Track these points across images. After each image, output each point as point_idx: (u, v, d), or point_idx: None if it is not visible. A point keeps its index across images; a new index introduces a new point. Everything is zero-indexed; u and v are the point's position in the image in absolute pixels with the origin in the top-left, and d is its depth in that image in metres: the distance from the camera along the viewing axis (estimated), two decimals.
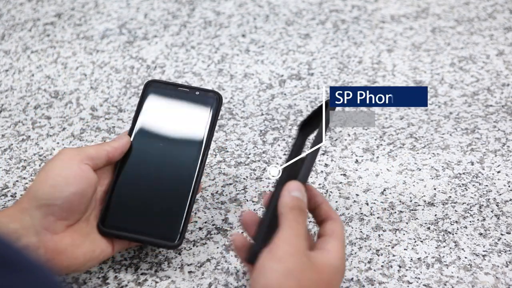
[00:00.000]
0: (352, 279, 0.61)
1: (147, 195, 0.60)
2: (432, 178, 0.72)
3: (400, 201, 0.69)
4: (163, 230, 0.59)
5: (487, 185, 0.71)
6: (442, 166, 0.73)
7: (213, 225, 0.67)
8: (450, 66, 0.87)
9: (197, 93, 0.64)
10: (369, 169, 0.73)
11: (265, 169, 0.74)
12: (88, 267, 0.57)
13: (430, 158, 0.74)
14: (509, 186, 0.70)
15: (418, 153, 0.75)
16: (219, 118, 0.63)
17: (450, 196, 0.70)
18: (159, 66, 0.89)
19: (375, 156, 0.75)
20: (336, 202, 0.69)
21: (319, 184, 0.71)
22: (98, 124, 0.80)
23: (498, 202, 0.69)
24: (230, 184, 0.72)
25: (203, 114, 0.62)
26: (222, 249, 0.65)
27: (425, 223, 0.67)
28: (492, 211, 0.68)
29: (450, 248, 0.64)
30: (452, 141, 0.76)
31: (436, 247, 0.64)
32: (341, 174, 0.72)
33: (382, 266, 0.63)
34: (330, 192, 0.71)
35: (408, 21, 0.96)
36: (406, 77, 0.86)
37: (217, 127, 0.77)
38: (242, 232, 0.64)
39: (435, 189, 0.70)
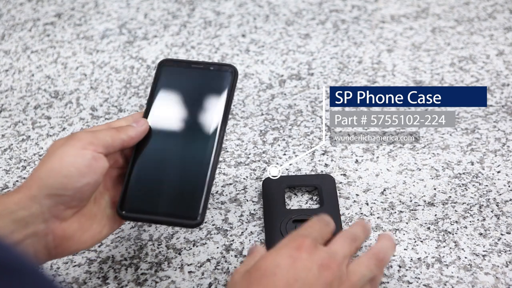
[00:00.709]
0: None
1: (165, 175, 0.58)
2: (432, 178, 0.72)
3: (400, 201, 0.69)
4: (183, 209, 0.56)
5: (487, 185, 0.71)
6: (442, 166, 0.73)
7: (213, 225, 0.67)
8: (450, 66, 0.87)
9: (212, 68, 0.61)
10: (369, 169, 0.73)
11: (265, 169, 0.74)
12: (100, 241, 0.57)
13: (430, 158, 0.74)
14: (509, 186, 0.70)
15: (418, 153, 0.75)
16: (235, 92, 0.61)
17: (450, 196, 0.70)
18: None
19: (375, 156, 0.75)
20: None
21: None
22: (98, 124, 0.80)
23: (498, 202, 0.69)
24: (230, 184, 0.72)
25: (219, 90, 0.60)
26: (222, 249, 0.65)
27: (425, 223, 0.67)
28: (492, 211, 0.68)
29: (450, 248, 0.64)
30: (452, 141, 0.76)
31: (436, 247, 0.64)
32: (341, 174, 0.72)
33: None
34: None
35: (408, 21, 0.96)
36: (406, 77, 0.86)
37: None
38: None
39: (435, 189, 0.70)
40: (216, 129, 0.59)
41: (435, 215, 0.68)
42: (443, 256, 0.63)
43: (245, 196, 0.70)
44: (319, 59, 0.89)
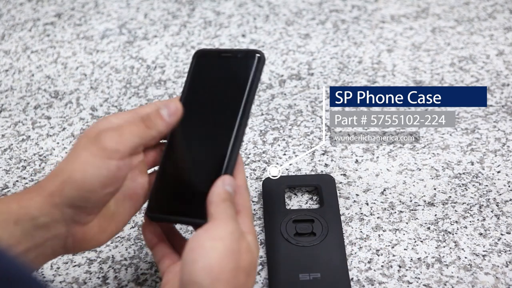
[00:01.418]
0: (352, 279, 0.61)
1: (190, 176, 0.56)
2: (432, 178, 0.72)
3: (400, 201, 0.69)
4: (197, 209, 0.54)
5: (487, 185, 0.71)
6: (442, 166, 0.73)
7: None
8: (450, 66, 0.87)
9: (239, 55, 0.58)
10: (369, 169, 0.73)
11: (265, 169, 0.74)
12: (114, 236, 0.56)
13: (430, 158, 0.74)
14: (509, 186, 0.70)
15: (418, 153, 0.75)
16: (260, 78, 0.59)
17: (450, 196, 0.70)
18: (159, 66, 0.89)
19: (375, 156, 0.75)
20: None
21: None
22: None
23: (498, 202, 0.69)
24: None
25: (244, 77, 0.57)
26: None
27: (425, 223, 0.67)
28: (492, 211, 0.68)
29: (450, 248, 0.64)
30: (452, 141, 0.76)
31: (436, 247, 0.64)
32: (341, 174, 0.72)
33: (382, 266, 0.63)
34: None
35: (408, 21, 0.96)
36: (406, 77, 0.86)
37: None
38: None
39: (435, 189, 0.70)
40: (234, 122, 0.56)
41: (435, 215, 0.68)
42: (443, 256, 0.63)
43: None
44: (319, 59, 0.89)
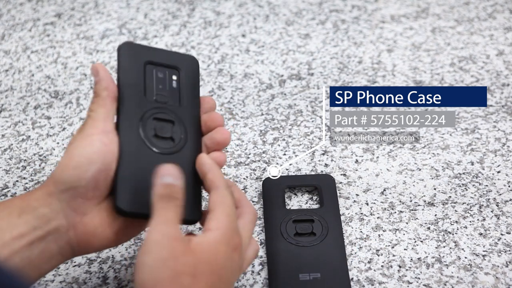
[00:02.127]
0: (352, 279, 0.61)
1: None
2: (432, 178, 0.72)
3: (400, 201, 0.69)
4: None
5: (487, 185, 0.71)
6: (442, 166, 0.73)
7: None
8: (450, 66, 0.87)
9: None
10: (369, 169, 0.73)
11: (265, 169, 0.74)
12: (124, 242, 0.55)
13: (430, 158, 0.74)
14: (509, 186, 0.70)
15: (418, 153, 0.75)
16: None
17: (450, 196, 0.70)
18: None
19: (375, 156, 0.75)
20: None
21: None
22: None
23: (498, 202, 0.69)
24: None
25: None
26: None
27: (425, 223, 0.67)
28: (492, 211, 0.68)
29: (450, 248, 0.64)
30: (452, 141, 0.76)
31: (436, 247, 0.64)
32: (341, 174, 0.72)
33: (382, 266, 0.63)
34: None
35: (408, 21, 0.96)
36: (406, 77, 0.86)
37: None
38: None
39: (435, 189, 0.70)
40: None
41: (435, 215, 0.68)
42: (443, 256, 0.63)
43: None
44: (319, 59, 0.90)
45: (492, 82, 0.85)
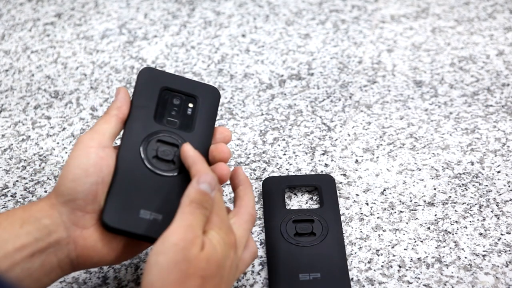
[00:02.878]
0: (352, 279, 0.61)
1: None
2: (432, 178, 0.72)
3: (400, 201, 0.69)
4: None
5: (487, 185, 0.71)
6: (442, 166, 0.73)
7: None
8: (450, 66, 0.87)
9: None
10: (369, 169, 0.73)
11: (265, 169, 0.74)
12: (124, 260, 0.55)
13: (430, 158, 0.74)
14: (509, 186, 0.70)
15: (418, 153, 0.75)
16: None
17: (450, 196, 0.70)
18: (159, 66, 0.89)
19: (375, 156, 0.75)
20: None
21: None
22: None
23: (498, 202, 0.69)
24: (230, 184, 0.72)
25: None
26: None
27: (425, 223, 0.67)
28: (492, 211, 0.68)
29: (450, 248, 0.64)
30: (452, 141, 0.76)
31: (436, 247, 0.64)
32: (341, 174, 0.72)
33: (382, 266, 0.63)
34: None
35: (408, 21, 0.96)
36: (406, 77, 0.86)
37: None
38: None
39: (435, 189, 0.70)
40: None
41: (435, 215, 0.68)
42: (443, 256, 0.63)
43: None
44: (319, 59, 0.90)
45: (492, 82, 0.85)
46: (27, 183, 0.73)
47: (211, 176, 0.51)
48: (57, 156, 0.76)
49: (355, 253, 0.64)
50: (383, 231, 0.66)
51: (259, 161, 0.75)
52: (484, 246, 0.64)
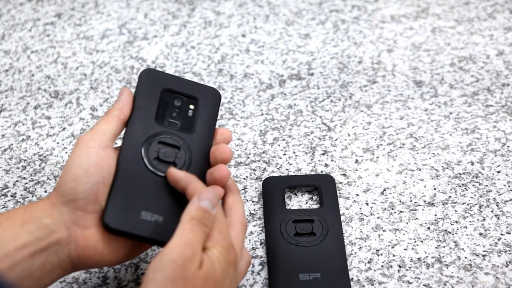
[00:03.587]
0: (352, 279, 0.61)
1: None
2: (432, 178, 0.72)
3: (400, 201, 0.69)
4: None
5: (487, 185, 0.71)
6: (442, 166, 0.73)
7: None
8: (450, 66, 0.87)
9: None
10: (369, 169, 0.73)
11: (265, 169, 0.74)
12: (125, 261, 0.55)
13: (430, 158, 0.74)
14: (509, 186, 0.70)
15: (418, 153, 0.75)
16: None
17: (450, 196, 0.70)
18: (159, 66, 0.89)
19: (375, 156, 0.75)
20: None
21: None
22: None
23: (498, 202, 0.69)
24: None
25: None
26: None
27: (425, 223, 0.67)
28: (492, 211, 0.68)
29: (450, 248, 0.64)
30: (452, 141, 0.76)
31: (436, 247, 0.64)
32: (341, 174, 0.72)
33: (382, 266, 0.63)
34: None
35: (408, 21, 0.96)
36: (406, 77, 0.86)
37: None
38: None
39: (435, 189, 0.70)
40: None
41: (435, 215, 0.68)
42: (443, 256, 0.63)
43: (245, 196, 0.70)
44: (319, 59, 0.90)
45: (492, 82, 0.85)
46: (27, 183, 0.73)
47: (212, 193, 0.51)
48: (57, 156, 0.76)
49: (355, 253, 0.64)
50: (383, 231, 0.66)
51: (259, 161, 0.75)
52: (484, 246, 0.64)
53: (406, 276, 0.62)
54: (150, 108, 0.58)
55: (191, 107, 0.60)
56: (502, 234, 0.65)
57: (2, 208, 0.70)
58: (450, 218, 0.67)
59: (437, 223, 0.67)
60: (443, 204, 0.69)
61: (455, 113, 0.80)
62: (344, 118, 0.80)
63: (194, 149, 0.57)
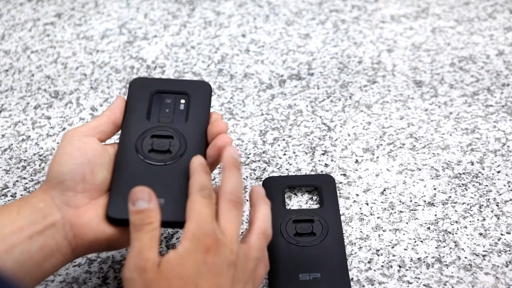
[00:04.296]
0: (352, 279, 0.61)
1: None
2: (432, 178, 0.72)
3: (400, 201, 0.69)
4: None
5: (487, 185, 0.71)
6: (442, 166, 0.73)
7: None
8: (450, 66, 0.87)
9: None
10: (369, 169, 0.73)
11: (265, 169, 0.74)
12: (124, 238, 0.54)
13: (430, 158, 0.74)
14: (509, 186, 0.70)
15: (418, 153, 0.75)
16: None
17: (450, 196, 0.70)
18: (159, 66, 0.89)
19: (375, 156, 0.75)
20: None
21: None
22: None
23: (498, 202, 0.69)
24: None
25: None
26: None
27: (425, 223, 0.67)
28: (492, 211, 0.68)
29: (450, 248, 0.64)
30: (452, 141, 0.76)
31: (436, 247, 0.64)
32: (341, 174, 0.72)
33: (382, 266, 0.63)
34: None
35: (408, 21, 0.96)
36: (406, 77, 0.86)
37: None
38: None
39: (435, 189, 0.70)
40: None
41: (435, 215, 0.68)
42: (443, 256, 0.63)
43: (245, 196, 0.70)
44: (319, 59, 0.90)
45: (492, 82, 0.85)
46: (27, 183, 0.73)
47: (141, 189, 0.51)
48: None
49: (355, 253, 0.64)
50: (383, 231, 0.66)
51: (259, 161, 0.75)
52: (484, 246, 0.64)
53: (406, 276, 0.62)
54: (142, 110, 0.61)
55: (182, 101, 0.62)
56: (502, 234, 0.65)
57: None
58: (450, 218, 0.67)
59: (437, 223, 0.67)
60: (443, 204, 0.69)
61: (455, 113, 0.80)
62: (344, 118, 0.80)
63: (189, 135, 0.59)
